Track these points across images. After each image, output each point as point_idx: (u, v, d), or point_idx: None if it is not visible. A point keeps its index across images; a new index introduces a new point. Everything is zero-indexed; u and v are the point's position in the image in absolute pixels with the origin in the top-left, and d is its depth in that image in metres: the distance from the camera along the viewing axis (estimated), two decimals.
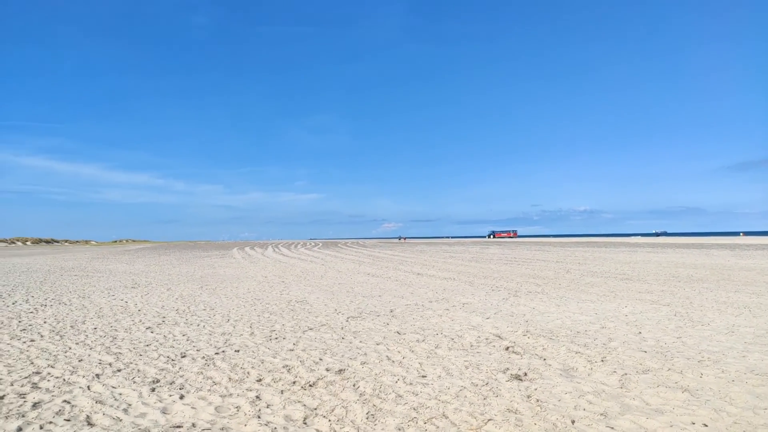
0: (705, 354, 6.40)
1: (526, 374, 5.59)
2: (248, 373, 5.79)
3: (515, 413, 4.41)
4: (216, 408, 4.63)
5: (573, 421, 4.21)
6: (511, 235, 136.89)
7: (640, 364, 5.99)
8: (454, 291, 13.38)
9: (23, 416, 4.43)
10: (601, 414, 4.38)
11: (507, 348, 6.84)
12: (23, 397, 4.94)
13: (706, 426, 4.07)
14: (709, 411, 4.40)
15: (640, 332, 7.77)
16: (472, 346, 7.02)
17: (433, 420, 4.27)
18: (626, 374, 5.56)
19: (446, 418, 4.32)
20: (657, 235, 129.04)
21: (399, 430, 4.06)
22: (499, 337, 7.57)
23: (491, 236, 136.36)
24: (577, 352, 6.56)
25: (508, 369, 5.81)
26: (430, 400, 4.79)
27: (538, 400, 4.74)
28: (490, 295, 12.48)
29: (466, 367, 5.90)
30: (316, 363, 6.18)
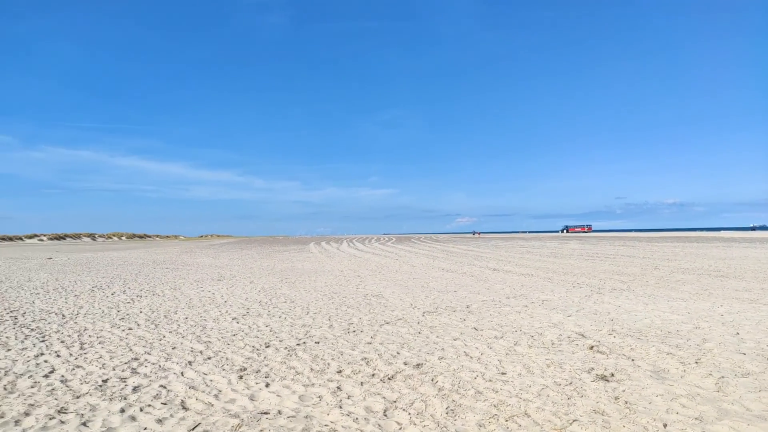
0: None
1: (612, 375, 5.35)
2: (328, 364, 5.93)
3: (602, 414, 4.24)
4: (300, 397, 4.79)
5: (665, 425, 3.98)
6: (585, 229, 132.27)
7: (739, 366, 5.57)
8: (533, 287, 13.03)
9: (125, 399, 4.78)
10: (696, 418, 4.12)
11: (591, 347, 6.57)
12: (124, 381, 5.34)
13: None
14: None
15: (738, 333, 7.23)
16: (553, 344, 6.81)
17: (515, 418, 4.18)
18: (723, 377, 5.19)
19: (528, 416, 4.22)
20: (753, 229, 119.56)
21: (480, 426, 4.02)
22: (583, 335, 7.29)
23: (564, 231, 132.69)
24: (668, 353, 6.20)
25: (593, 369, 5.58)
26: (510, 397, 4.70)
27: (626, 402, 4.52)
28: (572, 292, 12.05)
29: (548, 366, 5.73)
30: (394, 356, 6.23)
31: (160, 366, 5.92)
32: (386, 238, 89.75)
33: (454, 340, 7.12)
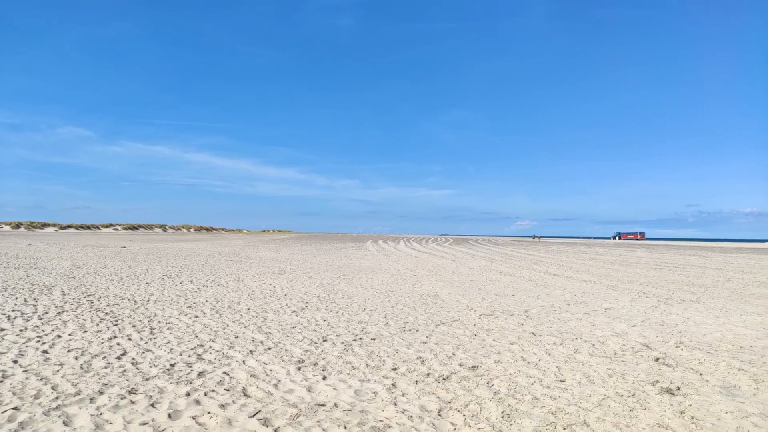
0: None
1: (678, 388, 5.12)
2: (384, 361, 5.99)
3: (666, 428, 4.07)
4: (355, 391, 4.87)
5: None
6: (638, 237, 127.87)
7: None
8: (595, 295, 12.62)
9: (190, 383, 5.02)
10: None
11: (657, 359, 6.30)
12: (190, 366, 5.60)
13: None
14: None
15: None
16: (615, 354, 6.58)
17: (573, 427, 4.09)
18: None
19: (588, 426, 4.11)
20: None
21: None
22: (647, 346, 7.01)
23: (617, 237, 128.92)
24: (740, 369, 5.85)
25: (657, 381, 5.36)
26: (569, 406, 4.59)
27: (692, 417, 4.32)
28: (636, 301, 11.58)
29: (610, 376, 5.55)
30: (449, 357, 6.22)
31: (223, 354, 6.18)
32: (443, 239, 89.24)
33: (511, 344, 7.02)
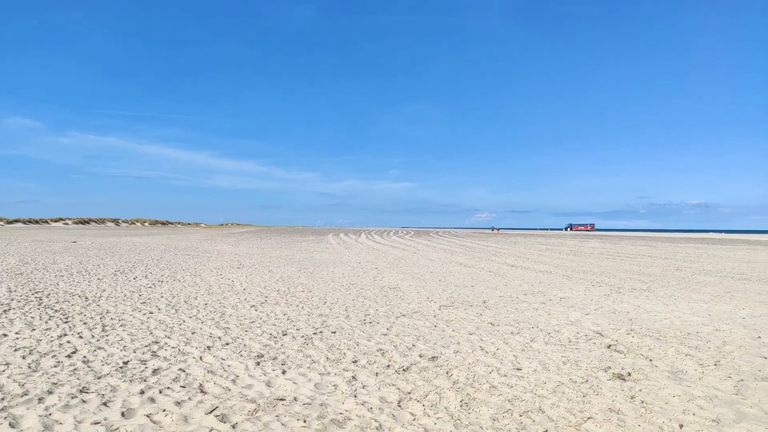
0: None
1: (629, 374, 5.31)
2: (344, 354, 5.99)
3: (617, 413, 4.21)
4: (315, 384, 4.85)
5: (681, 426, 3.95)
6: (588, 228, 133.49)
7: (759, 370, 5.48)
8: (551, 284, 12.94)
9: (145, 381, 4.89)
10: (714, 420, 4.07)
11: (609, 346, 6.52)
12: (144, 364, 5.45)
13: None
14: None
15: (760, 337, 7.10)
16: (570, 341, 6.77)
17: (529, 413, 4.18)
18: (743, 380, 5.11)
19: (543, 412, 4.22)
20: None
21: (494, 420, 4.03)
22: (600, 334, 7.24)
23: (568, 229, 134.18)
24: (687, 354, 6.12)
25: (609, 368, 5.55)
26: (525, 393, 4.70)
27: (642, 402, 4.49)
28: (590, 290, 11.94)
29: (564, 363, 5.71)
30: (409, 349, 6.26)
31: (179, 350, 6.04)
32: (405, 232, 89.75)
33: (470, 334, 7.12)
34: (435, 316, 8.44)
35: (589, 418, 4.11)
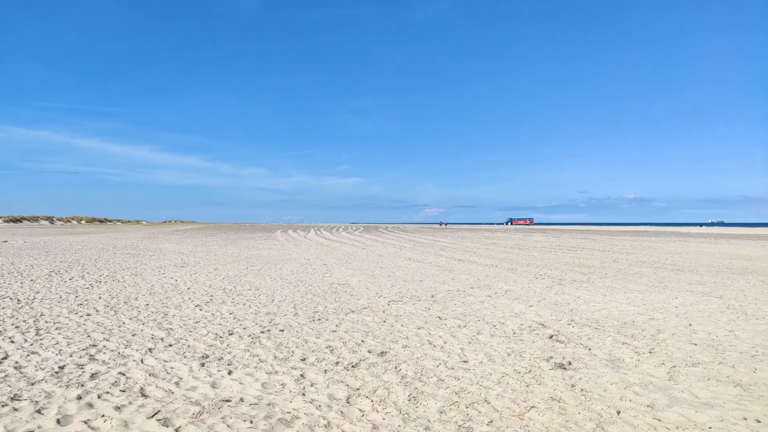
0: (759, 348, 6.14)
1: (570, 363, 5.51)
2: (293, 352, 5.92)
3: (559, 401, 4.37)
4: (262, 384, 4.77)
5: (618, 412, 4.13)
6: (527, 222, 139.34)
7: (690, 356, 5.81)
8: (497, 278, 13.26)
9: (82, 386, 4.67)
10: (648, 406, 4.28)
11: (551, 336, 6.75)
12: (81, 368, 5.21)
13: (759, 422, 3.93)
14: (762, 407, 4.24)
15: (691, 324, 7.52)
16: (514, 333, 6.96)
17: (475, 405, 4.27)
18: (675, 367, 5.41)
19: (488, 403, 4.32)
20: (713, 225, 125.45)
21: (441, 413, 4.09)
22: (543, 325, 7.47)
23: (509, 223, 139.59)
24: (623, 343, 6.41)
25: (551, 357, 5.74)
26: (471, 385, 4.79)
27: (582, 390, 4.67)
28: (534, 282, 12.31)
29: (509, 354, 5.86)
30: (359, 345, 6.27)
31: (119, 353, 5.81)
32: (354, 227, 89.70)
33: (419, 328, 7.20)
34: (384, 311, 8.48)
35: (532, 407, 4.24)
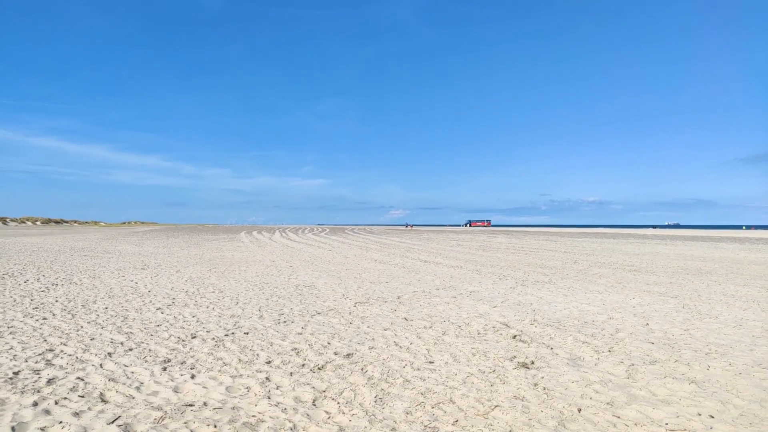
0: (712, 347, 6.40)
1: (533, 362, 5.62)
2: (258, 355, 5.86)
3: (522, 400, 4.45)
4: (227, 388, 4.70)
5: (579, 410, 4.24)
6: (485, 224, 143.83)
7: (648, 355, 6.01)
8: (462, 279, 13.41)
9: (38, 392, 4.51)
10: (608, 403, 4.41)
11: (514, 336, 6.87)
12: (38, 373, 5.03)
13: (713, 417, 4.09)
14: (715, 403, 4.42)
15: (648, 324, 7.78)
16: (479, 333, 7.05)
17: (441, 405, 4.31)
18: (633, 365, 5.58)
19: (453, 403, 4.37)
20: (668, 227, 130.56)
21: (407, 413, 4.11)
22: (507, 325, 7.60)
23: (467, 225, 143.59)
24: (584, 342, 6.58)
25: (515, 357, 5.84)
26: (437, 385, 4.84)
27: (545, 388, 4.77)
28: (498, 283, 12.50)
29: (474, 354, 5.94)
30: (325, 347, 6.24)
31: (77, 358, 5.63)
32: (320, 229, 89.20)
33: (385, 330, 7.22)
34: (350, 313, 8.47)
35: (496, 406, 4.31)
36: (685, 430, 3.86)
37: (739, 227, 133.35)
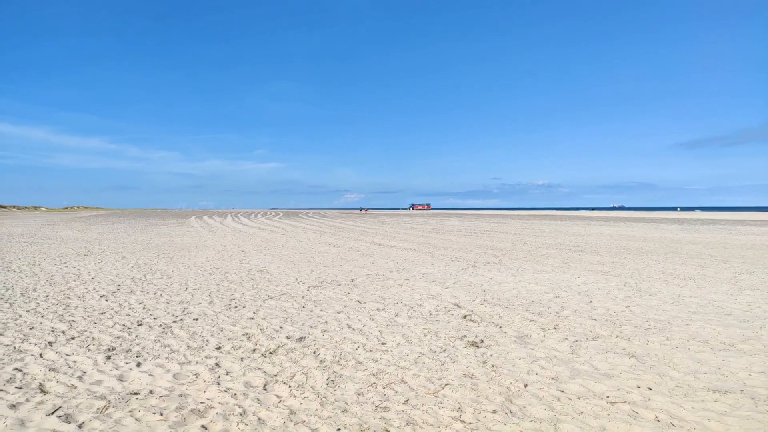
0: (651, 322, 6.72)
1: (482, 341, 5.75)
2: (207, 341, 5.75)
3: (471, 378, 4.55)
4: (174, 375, 4.59)
5: (526, 385, 4.37)
6: (426, 207, 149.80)
7: (591, 331, 6.25)
8: (415, 261, 13.54)
9: None
10: (553, 378, 4.57)
11: (465, 316, 7.00)
12: None
13: (651, 389, 4.30)
14: (653, 376, 4.65)
15: (591, 301, 8.08)
16: (431, 314, 7.16)
17: (392, 385, 4.36)
18: (577, 341, 5.79)
19: (405, 383, 4.42)
20: (614, 209, 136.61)
21: (359, 395, 4.14)
22: (458, 306, 7.74)
23: (410, 208, 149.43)
24: (531, 320, 6.78)
25: (465, 336, 5.96)
26: (389, 366, 4.88)
27: (493, 366, 4.90)
28: (450, 265, 12.69)
29: (425, 335, 6.02)
30: (277, 331, 6.19)
31: (14, 348, 5.37)
32: (273, 213, 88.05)
33: (338, 313, 7.22)
34: (303, 296, 8.42)
35: (446, 384, 4.39)
36: (625, 401, 4.04)
37: (674, 209, 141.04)
